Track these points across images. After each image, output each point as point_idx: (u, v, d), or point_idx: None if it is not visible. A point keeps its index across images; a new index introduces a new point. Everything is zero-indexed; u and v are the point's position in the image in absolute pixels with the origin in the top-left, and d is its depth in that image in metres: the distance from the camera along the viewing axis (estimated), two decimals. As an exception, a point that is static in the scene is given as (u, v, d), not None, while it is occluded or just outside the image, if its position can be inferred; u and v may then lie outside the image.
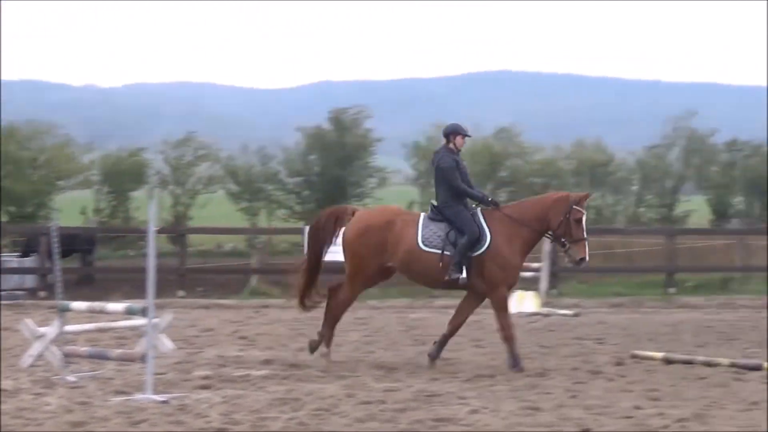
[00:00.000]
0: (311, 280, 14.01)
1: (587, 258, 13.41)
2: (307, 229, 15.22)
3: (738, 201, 42.49)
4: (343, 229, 13.79)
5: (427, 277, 13.67)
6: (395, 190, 43.93)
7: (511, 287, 13.90)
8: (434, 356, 13.56)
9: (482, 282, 13.33)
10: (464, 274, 13.29)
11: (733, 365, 13.17)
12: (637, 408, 10.58)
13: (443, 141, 13.78)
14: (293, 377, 12.56)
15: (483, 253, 13.28)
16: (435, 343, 13.70)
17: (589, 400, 11.06)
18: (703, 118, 44.65)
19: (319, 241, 13.99)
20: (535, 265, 22.71)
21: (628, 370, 13.18)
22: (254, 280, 25.88)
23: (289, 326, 17.79)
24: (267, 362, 13.77)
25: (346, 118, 40.73)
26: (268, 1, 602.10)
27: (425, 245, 13.45)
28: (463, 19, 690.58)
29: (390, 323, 19.17)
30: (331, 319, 13.81)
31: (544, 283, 22.42)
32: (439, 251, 13.34)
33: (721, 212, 41.43)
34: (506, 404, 10.80)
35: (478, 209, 13.56)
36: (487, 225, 13.36)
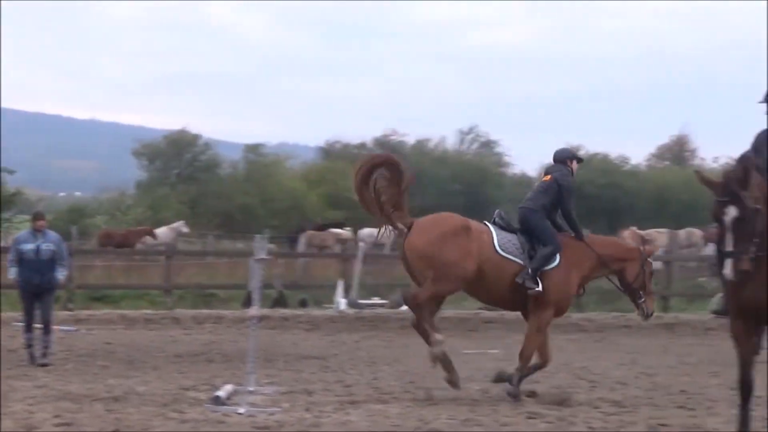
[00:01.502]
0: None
1: None
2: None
3: None
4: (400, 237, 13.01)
5: (499, 286, 12.92)
6: None
7: (559, 315, 13.45)
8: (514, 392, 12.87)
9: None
10: (539, 287, 12.80)
11: None
12: None
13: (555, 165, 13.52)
14: None
15: (549, 269, 12.93)
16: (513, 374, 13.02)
17: None
18: None
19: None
20: None
21: None
22: None
23: None
24: None
25: None
26: None
27: (503, 251, 12.89)
28: None
29: None
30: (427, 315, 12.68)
31: None
32: (518, 259, 12.84)
33: None
34: None
35: None
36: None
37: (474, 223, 13.20)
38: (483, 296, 13.61)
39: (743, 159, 9.47)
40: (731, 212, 9.18)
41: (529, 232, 13.19)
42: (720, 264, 9.33)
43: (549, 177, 13.45)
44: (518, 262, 12.95)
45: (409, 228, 12.97)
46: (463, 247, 12.77)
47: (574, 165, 13.66)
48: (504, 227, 13.28)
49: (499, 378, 13.20)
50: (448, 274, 12.69)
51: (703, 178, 9.45)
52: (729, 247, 9.17)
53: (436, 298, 12.99)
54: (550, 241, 13.05)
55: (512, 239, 13.10)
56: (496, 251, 12.96)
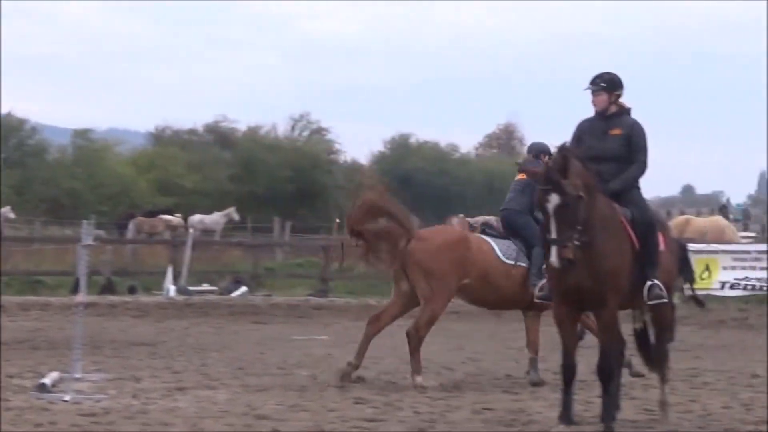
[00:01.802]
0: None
1: None
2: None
3: None
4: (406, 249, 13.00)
5: (508, 291, 13.31)
6: None
7: None
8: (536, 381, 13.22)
9: None
10: None
11: None
12: None
13: (529, 157, 13.68)
14: None
15: None
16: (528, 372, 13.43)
17: None
18: None
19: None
20: None
21: None
22: None
23: None
24: None
25: None
26: None
27: (506, 258, 13.30)
28: None
29: None
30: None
31: None
32: (520, 263, 13.29)
33: None
34: None
35: None
36: None
37: (473, 236, 13.80)
38: (494, 303, 14.00)
39: (562, 148, 9.72)
40: (554, 200, 9.40)
41: (515, 233, 13.60)
42: (546, 251, 9.56)
43: (524, 175, 13.68)
44: (522, 265, 13.40)
45: (410, 239, 13.20)
46: (460, 259, 13.17)
47: (547, 159, 13.85)
48: (496, 236, 13.70)
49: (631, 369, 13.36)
50: (440, 289, 13.07)
51: (526, 169, 9.68)
52: (553, 234, 9.39)
53: (439, 316, 13.35)
54: (536, 242, 13.22)
55: (509, 245, 13.53)
56: (500, 259, 13.39)
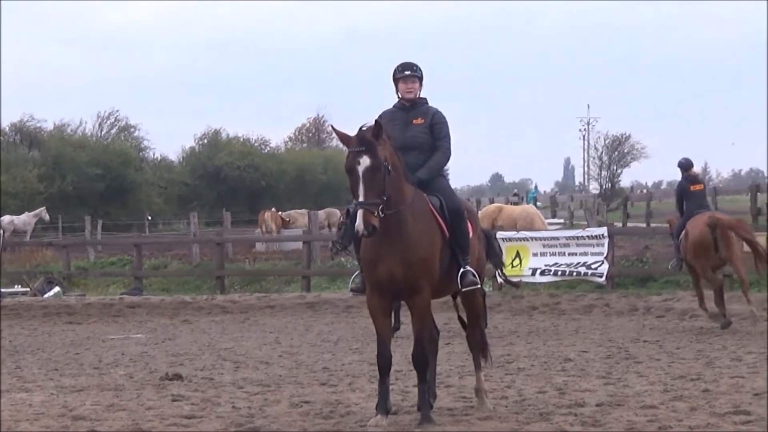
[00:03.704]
0: None
1: None
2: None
3: None
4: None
5: None
6: None
7: None
8: None
9: None
10: None
11: None
12: None
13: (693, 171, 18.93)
14: None
15: None
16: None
17: None
18: None
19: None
20: None
21: None
22: None
23: None
24: None
25: None
26: None
27: None
28: None
29: None
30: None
31: None
32: None
33: None
34: None
35: None
36: None
37: None
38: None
39: (378, 119, 9.69)
40: (364, 162, 9.34)
41: None
42: (353, 217, 9.42)
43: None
44: None
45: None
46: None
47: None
48: None
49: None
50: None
51: (338, 132, 9.64)
52: (361, 197, 9.28)
53: None
54: None
55: None
56: None
